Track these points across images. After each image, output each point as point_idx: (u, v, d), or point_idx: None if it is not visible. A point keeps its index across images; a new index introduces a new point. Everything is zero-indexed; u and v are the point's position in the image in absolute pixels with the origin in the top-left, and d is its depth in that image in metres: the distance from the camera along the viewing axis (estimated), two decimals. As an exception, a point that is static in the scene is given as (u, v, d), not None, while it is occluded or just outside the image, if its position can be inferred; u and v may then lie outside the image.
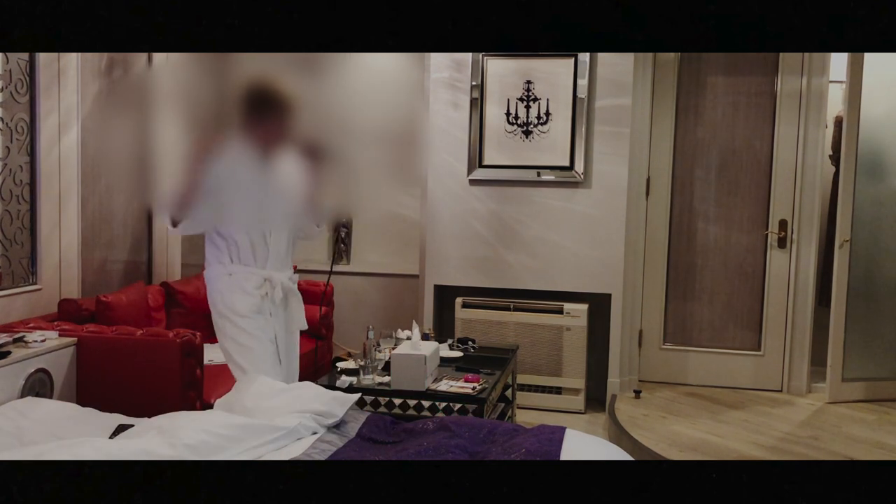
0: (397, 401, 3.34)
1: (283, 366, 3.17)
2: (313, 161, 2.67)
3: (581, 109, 4.56)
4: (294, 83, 2.53)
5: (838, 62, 4.76)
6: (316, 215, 3.15)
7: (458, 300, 4.77)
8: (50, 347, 3.31)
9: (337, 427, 2.76)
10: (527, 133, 4.66)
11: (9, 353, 3.13)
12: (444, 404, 3.30)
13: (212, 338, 3.27)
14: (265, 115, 2.57)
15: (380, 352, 3.74)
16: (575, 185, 4.62)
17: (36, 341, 3.30)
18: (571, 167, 4.60)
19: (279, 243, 3.13)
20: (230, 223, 3.04)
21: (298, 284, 3.35)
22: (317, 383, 3.18)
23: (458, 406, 3.29)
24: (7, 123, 3.72)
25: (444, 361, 3.80)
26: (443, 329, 4.86)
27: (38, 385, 3.24)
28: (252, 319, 3.07)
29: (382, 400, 3.35)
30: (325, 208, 3.07)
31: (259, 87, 2.54)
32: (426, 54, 4.70)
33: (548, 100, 4.61)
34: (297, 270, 4.67)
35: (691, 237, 4.97)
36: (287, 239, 3.17)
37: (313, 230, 3.26)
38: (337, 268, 5.59)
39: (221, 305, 3.09)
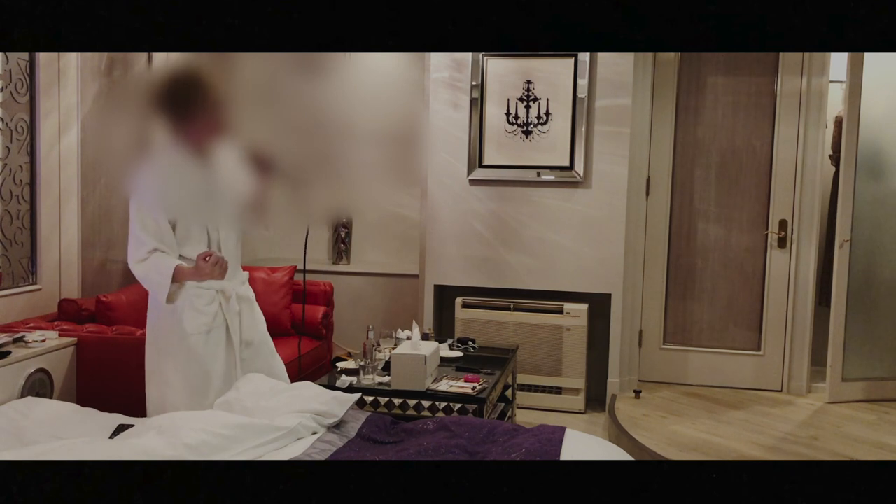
0: (397, 401, 3.34)
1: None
2: (262, 172, 2.37)
3: (581, 109, 4.56)
4: (218, 71, 2.20)
5: (838, 62, 4.76)
6: (266, 220, 2.80)
7: (458, 300, 4.77)
8: (50, 347, 3.31)
9: (337, 427, 2.76)
10: (527, 133, 4.66)
11: (9, 353, 3.14)
12: (444, 404, 3.30)
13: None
14: (192, 109, 2.27)
15: (380, 352, 3.74)
16: (575, 184, 4.62)
17: (36, 341, 3.30)
18: (571, 167, 4.60)
19: (228, 252, 2.93)
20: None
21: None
22: (316, 383, 3.18)
23: (458, 406, 3.29)
24: (7, 123, 3.72)
25: (444, 361, 3.80)
26: (443, 329, 4.86)
27: (38, 385, 3.24)
28: (198, 337, 2.86)
29: (382, 400, 3.35)
30: (274, 213, 2.84)
31: (181, 78, 2.25)
32: (426, 54, 4.69)
33: (548, 100, 4.61)
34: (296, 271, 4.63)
35: (691, 237, 4.97)
36: (235, 245, 3.00)
37: (263, 233, 3.03)
38: (337, 268, 5.60)
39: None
